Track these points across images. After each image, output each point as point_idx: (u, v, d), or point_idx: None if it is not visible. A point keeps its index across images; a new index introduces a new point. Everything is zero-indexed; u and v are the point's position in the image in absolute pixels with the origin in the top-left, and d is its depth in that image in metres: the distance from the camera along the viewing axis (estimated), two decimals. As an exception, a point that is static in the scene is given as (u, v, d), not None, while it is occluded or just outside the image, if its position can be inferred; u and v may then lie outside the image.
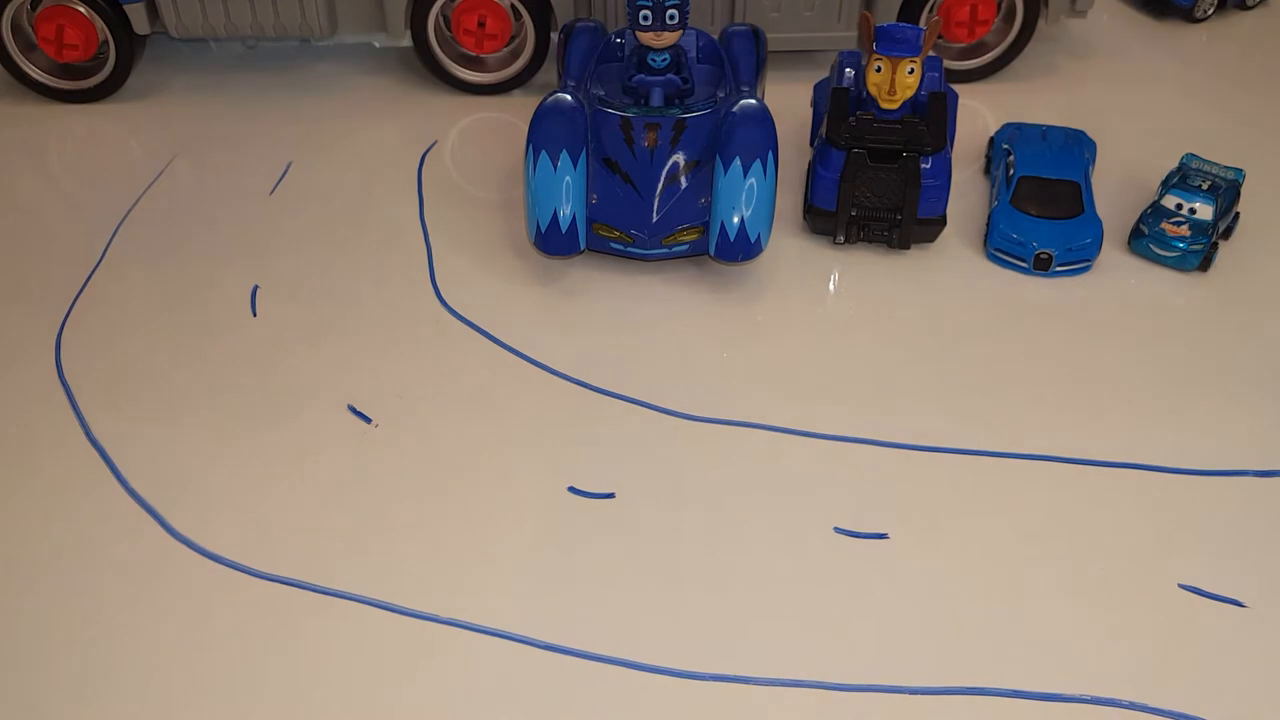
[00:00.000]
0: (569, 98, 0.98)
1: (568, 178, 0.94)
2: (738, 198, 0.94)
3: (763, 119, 0.96)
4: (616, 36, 1.09)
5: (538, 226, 0.95)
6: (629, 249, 0.97)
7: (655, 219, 0.96)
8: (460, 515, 0.81)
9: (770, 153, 0.95)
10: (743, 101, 0.98)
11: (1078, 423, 0.88)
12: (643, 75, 1.01)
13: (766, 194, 0.95)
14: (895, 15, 1.22)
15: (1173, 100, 1.27)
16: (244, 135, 1.21)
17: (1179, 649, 0.73)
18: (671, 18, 0.98)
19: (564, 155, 0.94)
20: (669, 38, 0.99)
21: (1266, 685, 0.71)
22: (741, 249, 0.95)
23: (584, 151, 0.96)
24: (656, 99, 1.01)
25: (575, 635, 0.73)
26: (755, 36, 1.10)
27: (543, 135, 0.95)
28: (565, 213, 0.94)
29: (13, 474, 0.83)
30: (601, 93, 1.02)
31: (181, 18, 1.21)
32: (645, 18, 0.97)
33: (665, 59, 1.01)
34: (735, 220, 0.94)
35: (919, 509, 0.81)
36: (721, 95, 1.01)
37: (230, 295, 0.99)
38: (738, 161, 0.94)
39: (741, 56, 1.07)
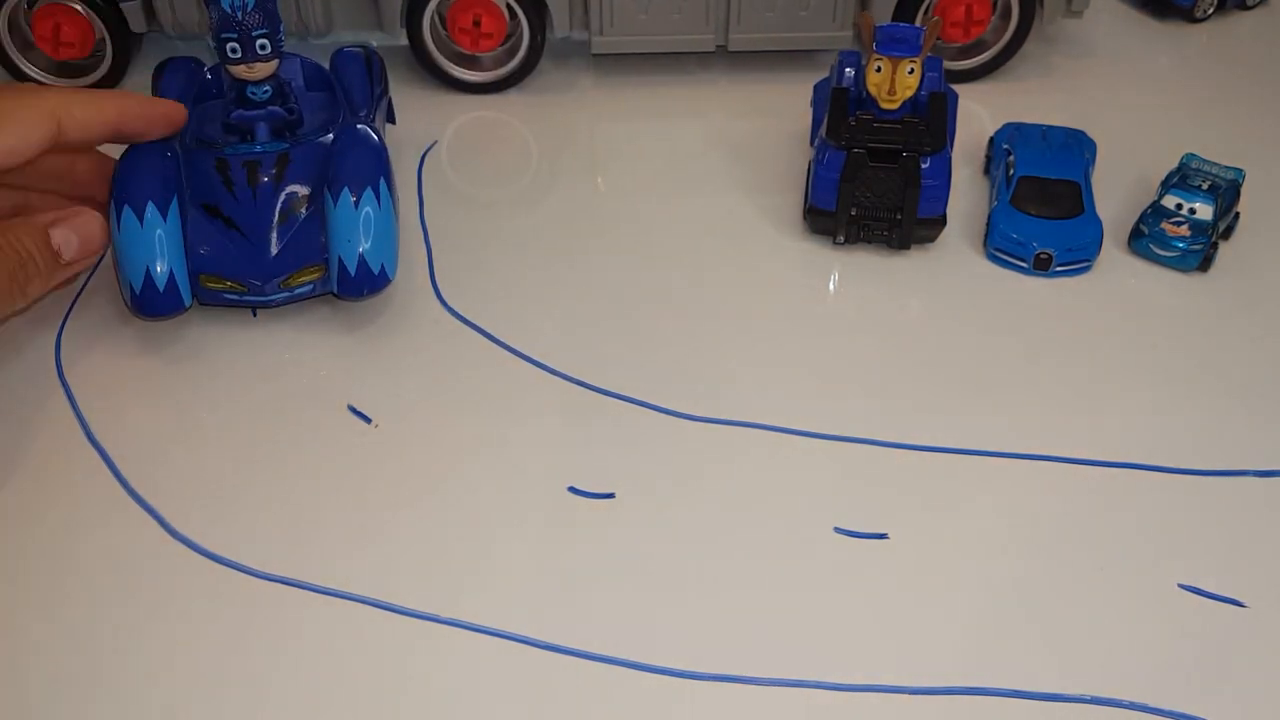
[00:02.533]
0: (150, 146, 0.91)
1: (159, 231, 0.87)
2: (354, 230, 0.89)
3: (369, 144, 0.93)
4: (211, 71, 1.03)
5: (131, 288, 0.87)
6: (245, 298, 0.90)
7: (269, 262, 0.90)
8: (460, 515, 0.81)
9: (382, 179, 0.90)
10: (346, 128, 0.94)
11: (1078, 423, 0.88)
12: (241, 110, 0.94)
13: (385, 222, 0.90)
14: (891, 15, 1.22)
15: (1173, 100, 1.27)
16: (242, 134, 1.21)
17: (1179, 649, 0.73)
18: (263, 48, 0.91)
19: (150, 208, 0.87)
20: (263, 69, 0.93)
21: (1266, 685, 0.71)
22: (365, 283, 0.90)
23: (175, 200, 0.88)
24: (262, 134, 0.95)
25: (575, 635, 0.73)
26: (367, 60, 1.06)
27: (125, 189, 0.88)
28: (160, 269, 0.87)
29: (13, 474, 0.83)
30: (202, 133, 0.95)
31: (178, 15, 1.21)
32: (233, 50, 0.91)
33: (267, 91, 0.94)
34: (354, 253, 0.89)
35: (919, 509, 0.81)
36: (337, 123, 0.96)
37: (229, 294, 0.99)
38: (347, 192, 0.89)
39: (354, 82, 1.04)
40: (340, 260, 0.89)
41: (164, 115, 0.92)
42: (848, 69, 1.03)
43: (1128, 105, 1.25)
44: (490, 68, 1.26)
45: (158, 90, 1.01)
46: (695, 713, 0.69)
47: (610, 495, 0.82)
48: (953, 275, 1.02)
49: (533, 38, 1.23)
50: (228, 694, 0.70)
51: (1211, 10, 1.42)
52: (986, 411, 0.89)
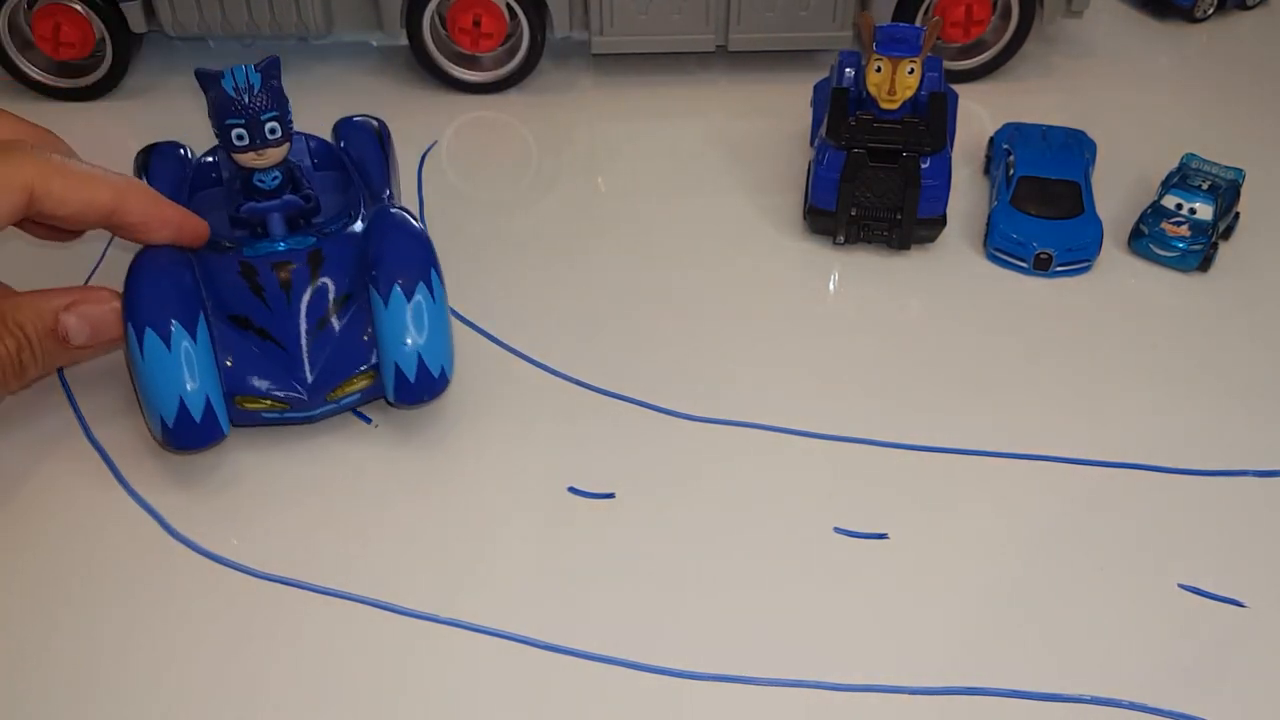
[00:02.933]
0: (160, 251, 0.81)
1: (187, 353, 0.76)
2: (409, 330, 0.80)
3: (410, 230, 0.84)
4: (208, 156, 0.92)
5: (162, 421, 0.77)
6: (286, 415, 0.81)
7: (311, 375, 0.80)
8: (460, 515, 0.80)
9: (432, 269, 0.82)
10: (381, 213, 0.85)
11: (1078, 423, 0.88)
12: (253, 202, 0.84)
13: (440, 318, 0.81)
14: (891, 15, 1.22)
15: (1173, 100, 1.27)
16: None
17: (1179, 649, 0.73)
18: (273, 132, 0.82)
19: (175, 327, 0.76)
20: (274, 155, 0.83)
21: (1266, 685, 0.71)
22: (425, 388, 0.81)
23: (201, 315, 0.78)
24: (277, 227, 0.85)
25: (575, 635, 0.73)
26: (379, 132, 0.97)
27: (142, 307, 0.77)
28: (194, 397, 0.76)
29: (13, 475, 0.83)
30: (215, 232, 0.84)
31: (178, 16, 1.21)
32: (239, 137, 0.81)
33: (276, 177, 0.84)
34: (412, 357, 0.80)
35: (919, 509, 0.81)
36: (360, 205, 0.88)
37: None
38: (398, 289, 0.80)
39: (367, 157, 0.94)
40: (397, 366, 0.80)
41: (171, 222, 0.82)
42: (848, 69, 1.03)
43: (1128, 105, 1.25)
44: (490, 68, 1.26)
45: (148, 183, 0.90)
46: (695, 713, 0.69)
47: (610, 495, 0.82)
48: (953, 275, 1.02)
49: (533, 38, 1.23)
50: (228, 694, 0.70)
51: (1211, 10, 1.42)
52: (987, 411, 0.89)
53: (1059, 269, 1.01)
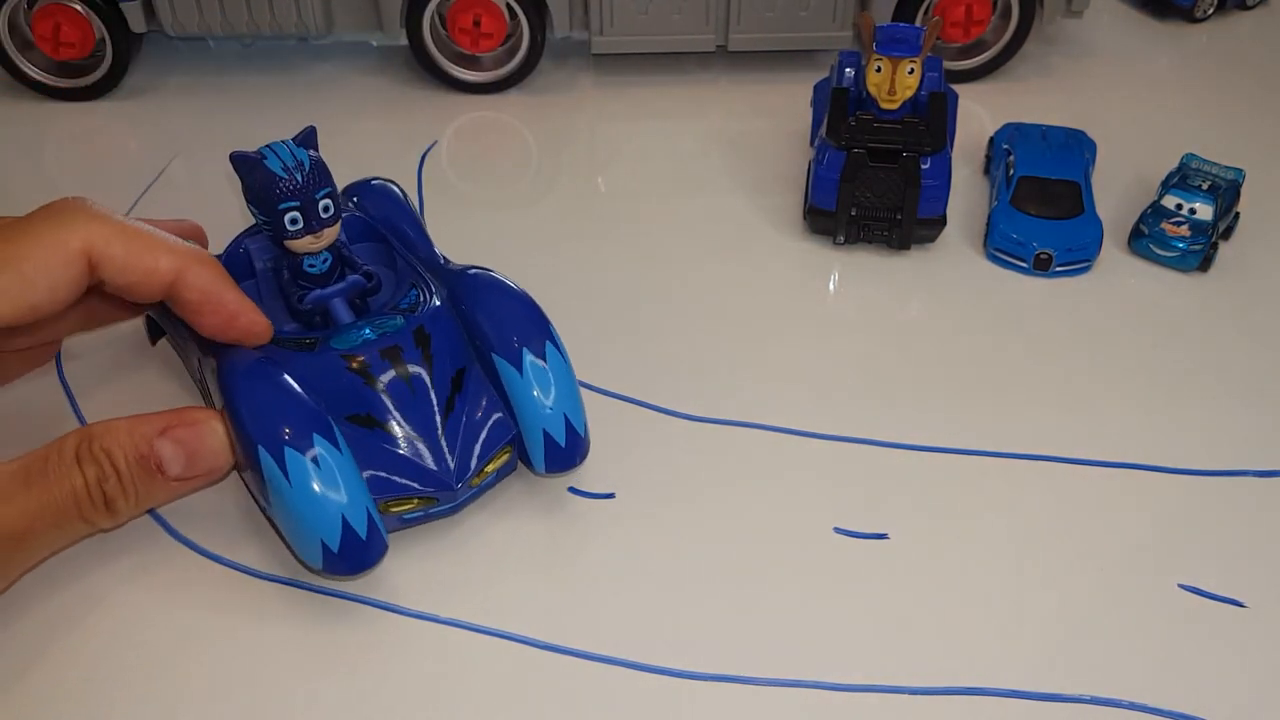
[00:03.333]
0: (250, 358, 0.73)
1: (336, 462, 0.69)
2: (549, 395, 0.76)
3: (515, 292, 0.79)
4: (240, 246, 0.84)
5: (324, 548, 0.69)
6: (432, 512, 0.76)
7: (452, 462, 0.74)
8: (460, 516, 0.80)
9: (549, 326, 0.78)
10: (473, 278, 0.80)
11: (1078, 423, 0.88)
12: (317, 290, 0.78)
13: (570, 374, 0.78)
14: (891, 15, 1.22)
15: (1173, 100, 1.27)
16: (243, 134, 1.19)
17: (1179, 649, 0.73)
18: (326, 210, 0.76)
19: (317, 441, 0.69)
20: (330, 234, 0.77)
21: (1266, 685, 0.71)
22: (575, 451, 0.78)
23: (329, 420, 0.71)
24: (344, 314, 0.79)
25: (575, 635, 0.73)
26: (402, 194, 0.91)
27: (271, 426, 0.69)
28: (355, 510, 0.69)
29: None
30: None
31: (178, 15, 1.21)
32: (294, 221, 0.75)
33: (327, 258, 0.79)
34: (559, 422, 0.76)
35: (919, 509, 0.81)
36: (419, 274, 0.82)
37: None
38: (529, 354, 0.76)
39: (399, 221, 0.87)
40: (546, 433, 0.76)
41: (227, 310, 0.74)
42: (848, 69, 1.03)
43: (1128, 105, 1.25)
44: (490, 68, 1.26)
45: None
46: (695, 713, 0.69)
47: (610, 495, 0.82)
48: (953, 275, 1.02)
49: (533, 38, 1.24)
50: (227, 693, 0.70)
51: (1211, 10, 1.42)
52: (986, 411, 0.89)
53: (1059, 269, 1.01)
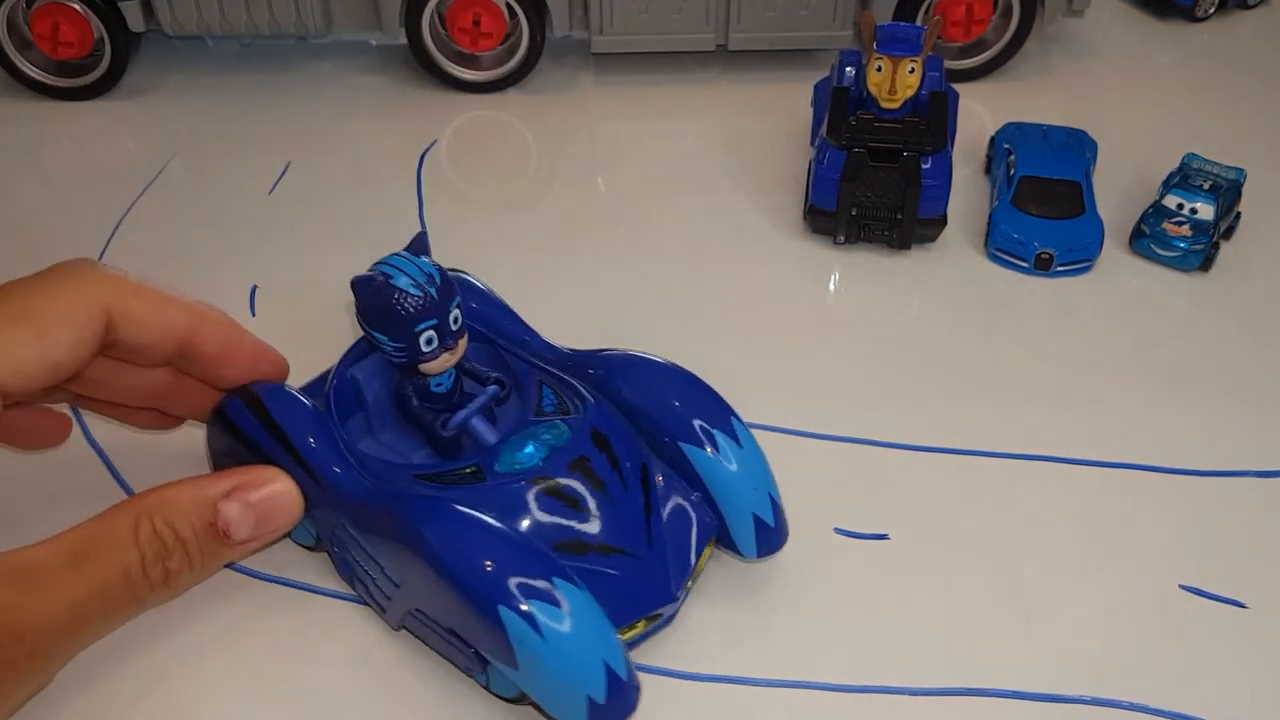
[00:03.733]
0: (436, 505, 0.65)
1: (585, 603, 0.61)
2: (751, 476, 0.71)
3: (673, 370, 0.74)
4: (345, 376, 0.75)
5: (591, 703, 0.60)
6: (652, 630, 0.69)
7: (673, 570, 0.69)
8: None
9: (723, 400, 0.73)
10: (622, 362, 0.74)
11: (1078, 423, 0.87)
12: (455, 413, 0.72)
13: (759, 448, 0.73)
14: (891, 15, 1.22)
15: (1174, 100, 1.27)
16: (242, 134, 1.21)
17: (1179, 649, 0.73)
18: (456, 321, 0.70)
19: (557, 584, 0.61)
20: (462, 347, 0.71)
21: (1266, 685, 0.71)
22: (783, 529, 0.73)
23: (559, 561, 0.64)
24: (488, 433, 0.72)
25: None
26: (480, 284, 0.83)
27: (499, 582, 0.60)
28: (615, 652, 0.61)
29: (13, 475, 0.83)
30: (409, 464, 0.72)
31: (176, 15, 1.21)
32: (429, 341, 0.68)
33: (450, 374, 0.72)
34: (764, 501, 0.71)
35: (919, 509, 0.81)
36: (543, 370, 0.76)
37: (230, 295, 0.99)
38: (720, 436, 0.71)
39: (497, 315, 0.80)
40: (756, 517, 0.70)
41: (250, 354, 0.72)
42: (848, 68, 1.03)
43: (1128, 105, 1.25)
44: (490, 67, 1.26)
45: (289, 438, 0.70)
46: (696, 713, 0.69)
47: None
48: (953, 275, 1.02)
49: (532, 37, 1.23)
50: (226, 693, 0.70)
51: (1212, 9, 1.42)
52: (987, 411, 0.89)
53: (1060, 269, 1.01)
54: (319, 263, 1.03)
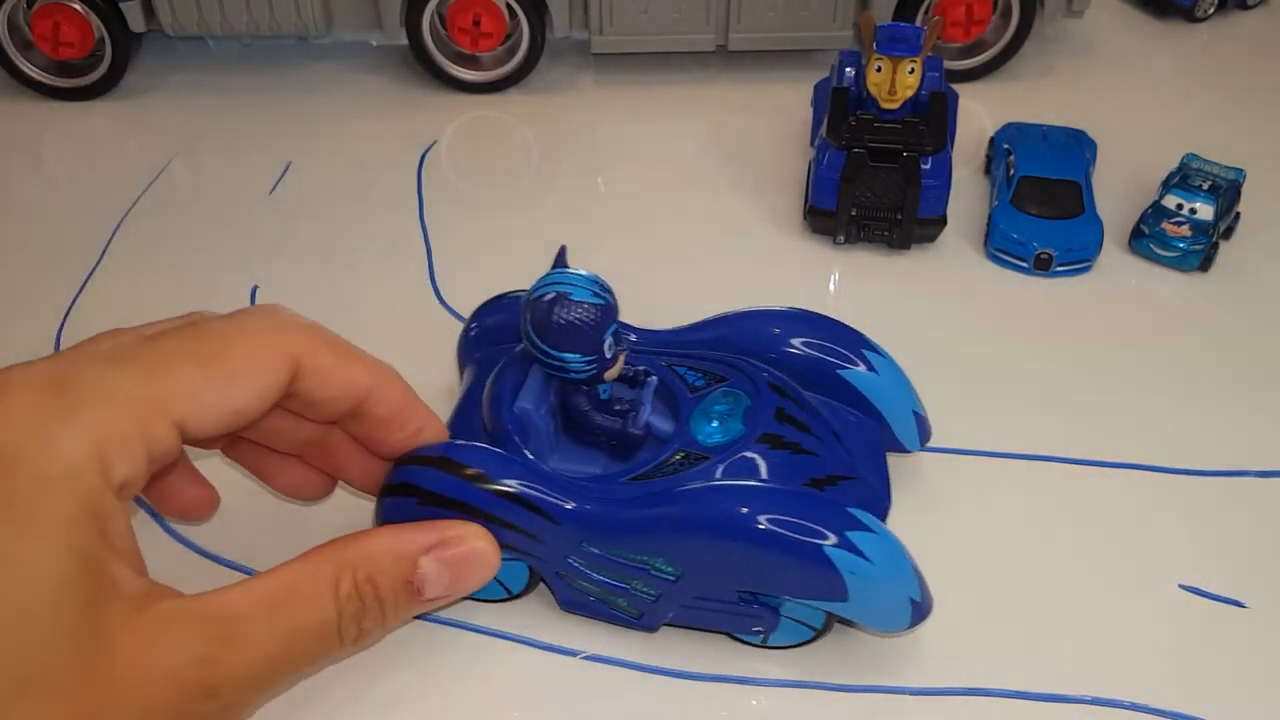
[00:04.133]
0: (715, 489, 0.67)
1: (871, 521, 0.67)
2: (899, 379, 0.79)
3: (793, 310, 0.80)
4: (513, 414, 0.72)
5: (913, 604, 0.68)
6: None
7: (877, 482, 0.76)
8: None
9: (846, 324, 0.80)
10: (749, 316, 0.79)
11: (1077, 423, 0.88)
12: (634, 423, 0.73)
13: (890, 357, 0.81)
14: (891, 15, 1.22)
15: (1173, 100, 1.27)
16: (243, 134, 1.21)
17: (1179, 649, 0.73)
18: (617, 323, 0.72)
19: (854, 511, 0.67)
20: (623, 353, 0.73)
21: (1266, 685, 0.71)
22: (928, 424, 0.81)
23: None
24: (663, 425, 0.73)
25: (575, 635, 0.73)
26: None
27: (814, 529, 0.65)
28: (905, 550, 0.68)
29: (10, 474, 0.83)
30: (612, 473, 0.71)
31: (177, 15, 1.21)
32: (610, 347, 0.70)
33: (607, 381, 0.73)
34: (915, 397, 0.80)
35: (920, 509, 0.81)
36: (666, 354, 0.78)
37: (230, 295, 0.99)
38: (868, 354, 0.78)
39: None
40: (915, 413, 0.79)
41: (419, 419, 0.69)
42: (848, 69, 1.03)
43: (1128, 105, 1.25)
44: (490, 67, 1.26)
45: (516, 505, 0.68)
46: (695, 712, 0.69)
47: None
48: (953, 275, 1.02)
49: (532, 37, 1.23)
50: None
51: (1212, 10, 1.42)
52: (986, 412, 0.89)
53: (1059, 269, 1.01)
54: (319, 263, 1.03)
